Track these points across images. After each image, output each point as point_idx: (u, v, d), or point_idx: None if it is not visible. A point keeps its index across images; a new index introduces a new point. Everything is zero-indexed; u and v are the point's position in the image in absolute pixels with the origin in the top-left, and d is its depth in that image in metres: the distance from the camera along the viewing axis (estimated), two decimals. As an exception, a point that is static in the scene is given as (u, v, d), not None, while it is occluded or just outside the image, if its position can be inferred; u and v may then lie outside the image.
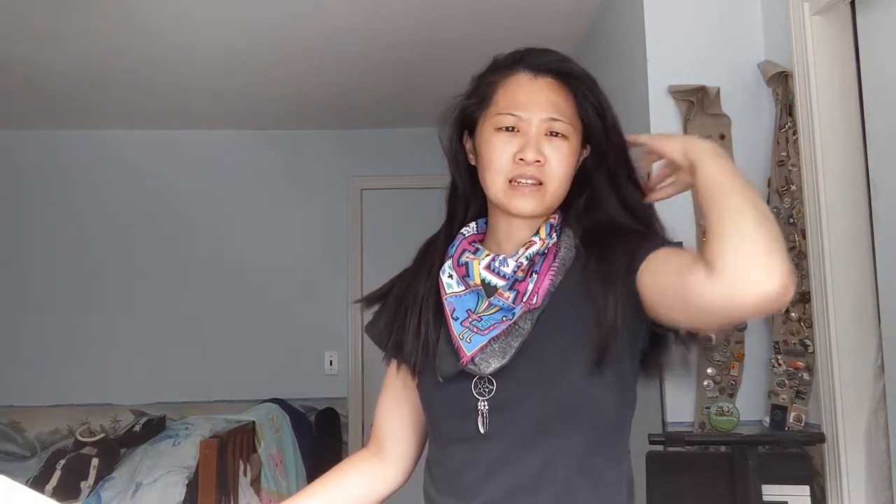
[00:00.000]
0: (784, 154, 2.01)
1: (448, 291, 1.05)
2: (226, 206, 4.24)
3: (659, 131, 2.22)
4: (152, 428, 3.32)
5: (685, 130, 2.18)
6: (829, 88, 1.87)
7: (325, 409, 4.08)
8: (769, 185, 2.07)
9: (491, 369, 0.99)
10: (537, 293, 1.00)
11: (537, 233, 1.04)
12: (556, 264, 1.03)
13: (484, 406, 1.01)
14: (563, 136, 1.03)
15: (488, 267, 1.03)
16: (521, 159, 1.02)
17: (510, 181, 1.03)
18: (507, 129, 1.04)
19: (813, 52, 1.89)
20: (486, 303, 1.03)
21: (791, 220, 1.98)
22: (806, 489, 1.80)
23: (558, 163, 1.03)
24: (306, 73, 3.45)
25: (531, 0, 2.77)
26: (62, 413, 3.95)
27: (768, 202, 2.07)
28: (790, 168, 1.98)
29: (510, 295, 1.01)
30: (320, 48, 3.16)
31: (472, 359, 1.00)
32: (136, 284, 4.15)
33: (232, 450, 2.75)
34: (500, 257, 1.03)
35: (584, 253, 1.05)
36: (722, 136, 2.16)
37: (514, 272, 1.02)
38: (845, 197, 1.84)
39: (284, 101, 3.83)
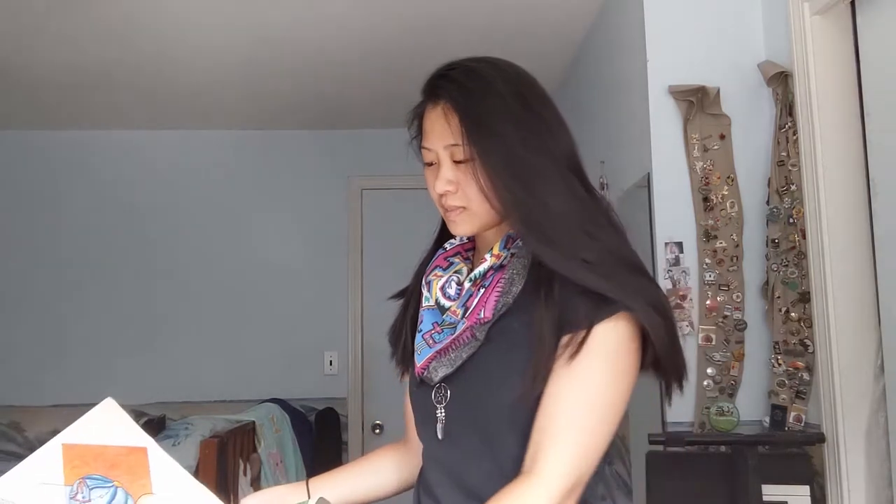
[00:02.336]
0: (784, 154, 2.01)
1: (424, 304, 1.11)
2: (226, 206, 4.24)
3: (659, 131, 2.22)
4: (152, 428, 3.32)
5: (685, 130, 2.18)
6: (829, 88, 1.87)
7: (325, 409, 4.08)
8: (769, 185, 2.07)
9: (438, 377, 1.04)
10: (484, 307, 1.02)
11: (492, 249, 1.06)
12: (505, 277, 1.03)
13: (441, 413, 1.05)
14: (468, 159, 1.02)
15: (441, 288, 1.08)
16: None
17: (444, 209, 1.07)
18: (428, 164, 1.07)
19: (813, 52, 1.89)
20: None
21: (791, 220, 1.98)
22: (806, 489, 1.80)
23: (469, 186, 1.02)
24: (307, 74, 3.45)
25: (531, 0, 2.77)
26: (62, 413, 3.95)
27: (768, 202, 2.07)
28: (790, 168, 1.98)
29: (460, 311, 1.05)
30: (320, 48, 3.17)
31: (427, 368, 1.05)
32: (137, 284, 4.16)
33: (232, 450, 2.75)
34: (452, 280, 1.08)
35: (537, 269, 1.02)
36: (722, 136, 2.17)
37: (458, 294, 1.06)
38: (845, 197, 1.84)
39: (284, 101, 3.83)
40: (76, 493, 1.01)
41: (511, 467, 0.99)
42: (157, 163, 4.25)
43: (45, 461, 1.01)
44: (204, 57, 3.23)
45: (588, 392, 0.94)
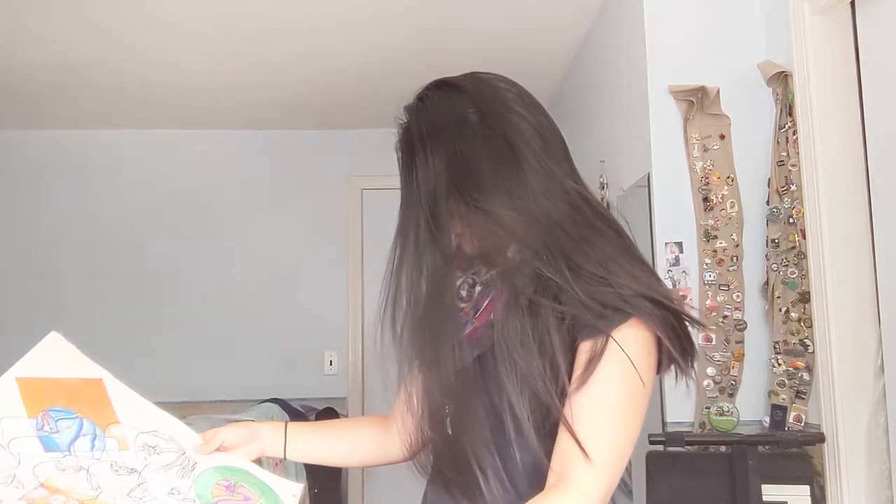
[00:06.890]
0: (784, 154, 2.01)
1: None
2: (226, 206, 4.25)
3: (659, 131, 2.23)
4: (152, 428, 3.31)
5: (685, 130, 2.18)
6: (829, 88, 1.87)
7: (325, 409, 4.07)
8: (769, 185, 2.07)
9: None
10: (493, 308, 1.03)
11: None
12: None
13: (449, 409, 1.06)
14: None
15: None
16: None
17: None
18: None
19: (813, 52, 1.89)
20: None
21: (791, 220, 1.98)
22: (806, 489, 1.80)
23: None
24: (307, 74, 3.45)
25: (532, 1, 2.77)
26: (62, 413, 3.96)
27: (768, 202, 2.07)
28: (790, 168, 1.98)
29: (471, 312, 1.07)
30: (321, 48, 3.16)
31: None
32: (136, 284, 4.16)
33: (232, 450, 2.75)
34: (469, 282, 1.09)
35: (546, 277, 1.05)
36: (722, 136, 2.17)
37: (469, 295, 1.08)
38: (845, 197, 1.84)
39: (284, 101, 3.83)
40: (43, 426, 0.99)
41: (513, 467, 1.00)
42: (156, 163, 4.25)
43: (2, 397, 1.00)
44: (204, 57, 3.22)
45: (611, 399, 0.94)
